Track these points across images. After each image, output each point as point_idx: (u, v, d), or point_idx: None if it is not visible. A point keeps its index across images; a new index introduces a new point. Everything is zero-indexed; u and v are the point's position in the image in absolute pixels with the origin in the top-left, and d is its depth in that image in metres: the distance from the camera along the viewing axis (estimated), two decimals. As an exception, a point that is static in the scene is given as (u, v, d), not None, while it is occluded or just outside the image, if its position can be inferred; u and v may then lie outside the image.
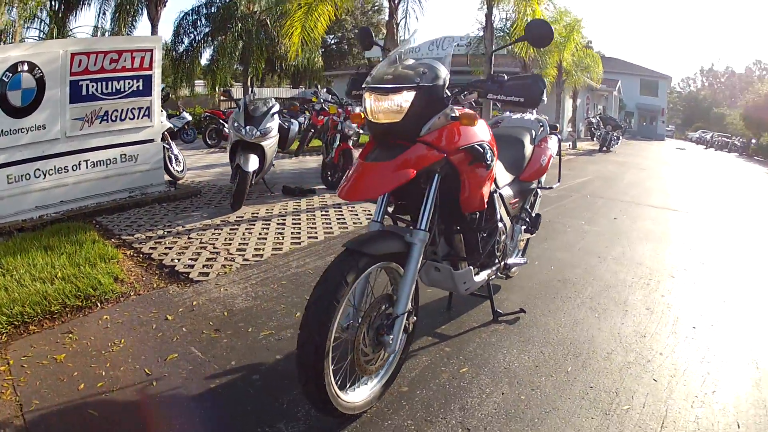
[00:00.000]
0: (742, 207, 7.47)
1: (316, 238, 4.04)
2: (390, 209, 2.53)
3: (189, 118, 11.86)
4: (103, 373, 2.05)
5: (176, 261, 3.38)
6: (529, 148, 2.87)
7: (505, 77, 1.95)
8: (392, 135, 1.80)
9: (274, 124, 5.13)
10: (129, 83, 4.96)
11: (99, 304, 2.69)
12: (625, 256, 3.93)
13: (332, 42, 27.30)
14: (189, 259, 3.46)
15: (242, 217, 4.67)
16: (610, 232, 4.73)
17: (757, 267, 4.01)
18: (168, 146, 5.81)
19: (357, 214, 4.80)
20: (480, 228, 2.18)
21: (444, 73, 1.84)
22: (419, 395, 1.97)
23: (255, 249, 3.73)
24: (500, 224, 2.36)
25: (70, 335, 2.37)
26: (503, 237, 2.47)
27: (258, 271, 3.31)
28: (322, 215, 4.80)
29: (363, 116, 1.93)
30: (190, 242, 3.84)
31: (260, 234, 4.13)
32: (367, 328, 1.77)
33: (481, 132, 2.06)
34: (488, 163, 2.04)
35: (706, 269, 3.78)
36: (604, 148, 15.30)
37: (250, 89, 12.69)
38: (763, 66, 58.52)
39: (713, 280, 3.54)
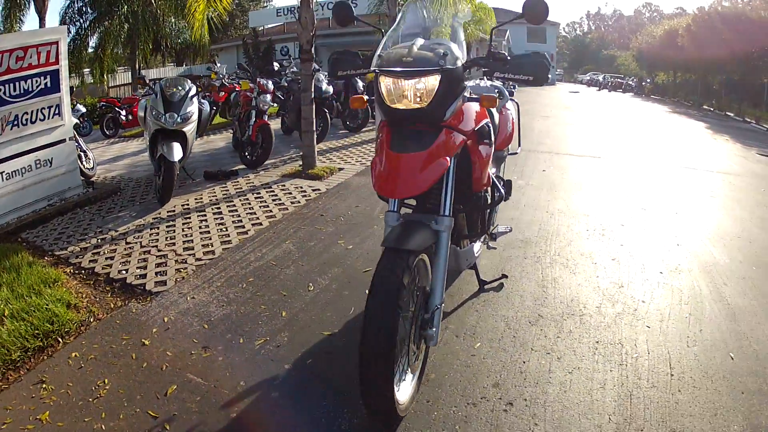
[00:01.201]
0: (661, 148, 8.26)
1: (261, 224, 3.86)
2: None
3: (83, 110, 10.59)
4: (103, 427, 1.76)
5: (124, 272, 3.05)
6: (497, 117, 2.96)
7: (506, 54, 1.97)
8: (414, 120, 1.73)
9: (194, 108, 4.85)
10: (37, 81, 4.53)
11: (60, 340, 2.30)
12: (570, 209, 4.32)
13: (214, 14, 25.49)
14: (136, 267, 3.10)
15: (173, 211, 4.30)
16: (546, 186, 5.12)
17: (693, 207, 4.57)
18: (77, 143, 5.27)
19: (291, 193, 4.66)
20: (488, 205, 2.24)
21: (461, 53, 1.79)
22: (449, 379, 2.01)
23: (203, 246, 3.45)
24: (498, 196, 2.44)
25: (44, 386, 2.01)
26: (497, 209, 2.57)
27: (217, 271, 3.06)
28: (256, 198, 4.57)
29: (365, 100, 1.88)
30: (129, 247, 3.45)
31: (201, 228, 3.83)
32: (415, 326, 1.75)
33: (482, 110, 2.08)
34: (492, 140, 2.07)
35: (650, 215, 4.26)
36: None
37: (139, 73, 12.24)
38: (653, 8, 63.37)
39: (660, 225, 4.01)
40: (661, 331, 2.37)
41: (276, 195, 4.60)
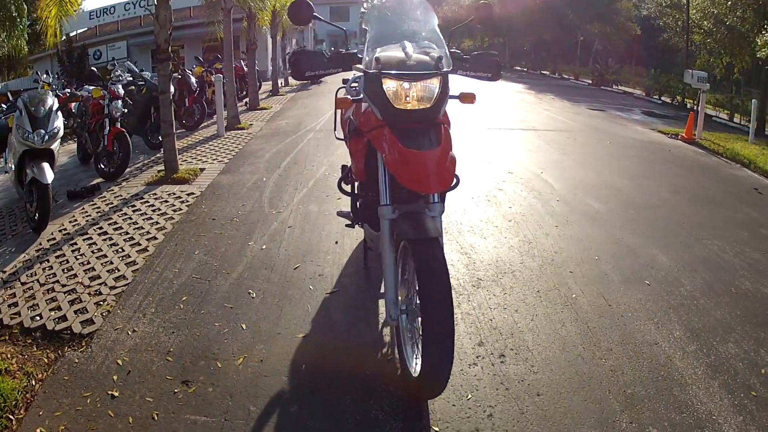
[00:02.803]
0: (494, 113, 9.08)
1: (156, 238, 3.54)
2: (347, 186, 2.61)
3: None
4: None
5: (38, 318, 2.55)
6: None
7: (461, 53, 2.26)
8: (417, 120, 1.89)
9: (60, 122, 4.35)
10: None
11: (13, 418, 1.81)
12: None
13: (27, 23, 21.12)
14: (49, 310, 2.61)
15: (54, 239, 3.69)
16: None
17: (553, 166, 5.44)
18: None
19: (167, 201, 4.36)
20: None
21: (448, 56, 1.97)
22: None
23: (108, 272, 3.05)
24: None
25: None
26: None
27: (141, 296, 2.73)
28: (134, 212, 4.16)
29: (350, 101, 2.04)
30: (28, 288, 2.89)
31: (94, 252, 3.37)
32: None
33: None
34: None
35: (519, 177, 5.02)
36: (319, 81, 16.80)
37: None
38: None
39: (533, 185, 4.82)
40: (582, 273, 3.05)
41: (153, 205, 4.27)
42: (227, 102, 7.90)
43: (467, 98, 2.07)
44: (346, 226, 3.22)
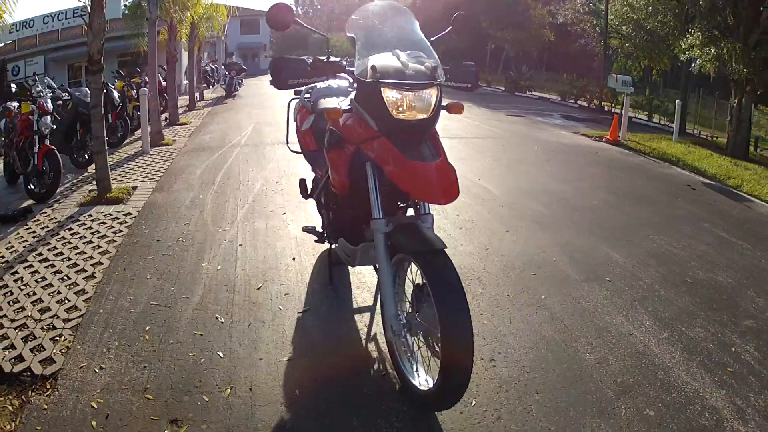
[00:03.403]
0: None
1: (101, 263, 3.32)
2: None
3: None
4: None
5: None
6: None
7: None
8: (415, 130, 1.91)
9: None
10: None
11: None
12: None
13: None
14: (2, 349, 2.35)
15: None
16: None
17: (486, 173, 5.72)
18: None
19: (104, 222, 4.12)
20: None
21: (441, 67, 2.01)
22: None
23: (58, 303, 2.82)
24: None
25: None
26: None
27: (100, 329, 2.53)
28: (72, 235, 3.88)
29: (342, 112, 2.04)
30: None
31: (38, 281, 3.11)
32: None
33: None
34: None
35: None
36: (234, 94, 16.36)
37: None
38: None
39: (475, 192, 5.04)
40: (545, 275, 3.25)
41: (90, 227, 4.01)
42: (151, 117, 7.70)
43: (455, 108, 2.11)
44: (315, 241, 3.20)
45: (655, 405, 2.09)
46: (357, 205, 2.37)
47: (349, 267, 3.23)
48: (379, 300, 2.34)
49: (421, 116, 1.89)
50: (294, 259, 3.42)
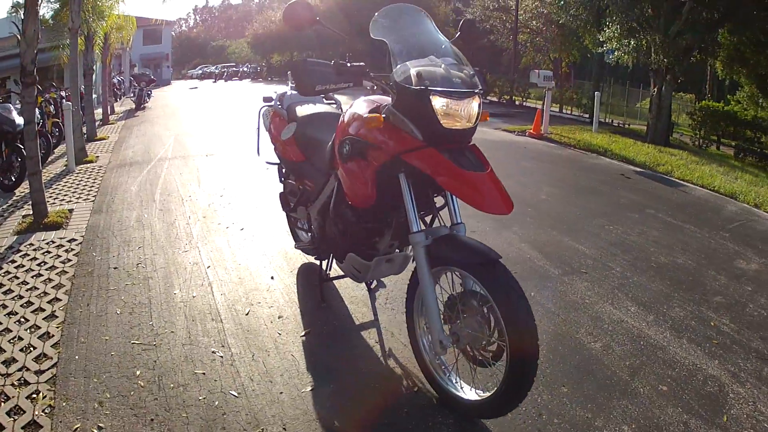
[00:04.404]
0: None
1: (59, 299, 3.11)
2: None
3: None
4: None
5: None
6: None
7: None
8: (460, 139, 1.98)
9: None
10: None
11: None
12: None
13: None
14: None
15: None
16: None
17: None
18: None
19: (49, 251, 3.86)
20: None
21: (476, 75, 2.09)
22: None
23: (22, 351, 2.57)
24: None
25: None
26: None
27: (82, 379, 2.31)
28: (16, 268, 3.59)
29: (381, 119, 2.03)
30: None
31: None
32: None
33: None
34: None
35: None
36: (143, 106, 16.02)
37: None
38: (262, -6, 69.74)
39: None
40: (526, 272, 3.54)
41: (35, 258, 3.72)
42: (74, 133, 7.38)
43: (482, 116, 2.16)
44: (316, 259, 3.16)
45: (665, 381, 2.42)
46: (377, 218, 2.41)
47: (334, 282, 3.25)
48: (406, 314, 2.40)
49: (467, 125, 1.96)
50: (273, 278, 3.38)
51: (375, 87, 2.25)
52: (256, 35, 38.33)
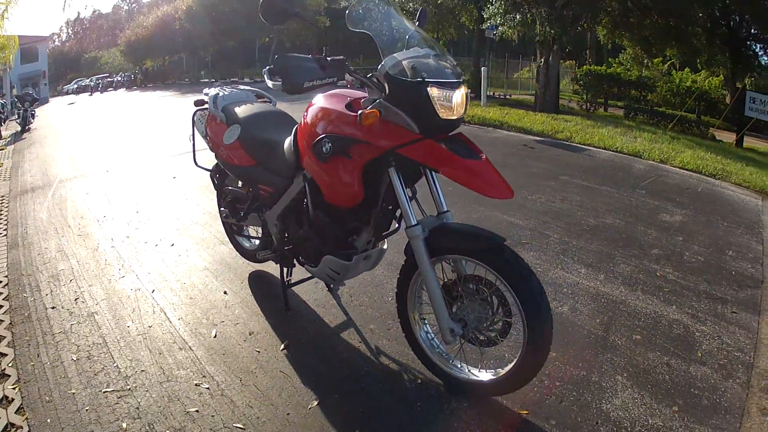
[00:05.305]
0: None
1: (4, 354, 2.66)
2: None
3: None
4: None
5: None
6: None
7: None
8: (450, 130, 2.02)
9: None
10: None
11: None
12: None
13: None
14: None
15: None
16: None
17: None
18: None
19: None
20: None
21: None
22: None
23: None
24: None
25: None
26: None
27: (68, 416, 2.01)
28: None
29: (378, 114, 1.99)
30: None
31: None
32: None
33: None
34: None
35: None
36: (28, 127, 14.90)
37: None
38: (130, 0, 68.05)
39: None
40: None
41: None
42: None
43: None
44: (302, 267, 2.98)
45: (636, 330, 2.73)
46: (359, 216, 2.39)
47: (294, 288, 3.14)
48: (398, 311, 2.42)
49: (458, 115, 2.00)
50: (226, 292, 3.20)
51: (353, 81, 2.20)
52: (128, 42, 38.69)
